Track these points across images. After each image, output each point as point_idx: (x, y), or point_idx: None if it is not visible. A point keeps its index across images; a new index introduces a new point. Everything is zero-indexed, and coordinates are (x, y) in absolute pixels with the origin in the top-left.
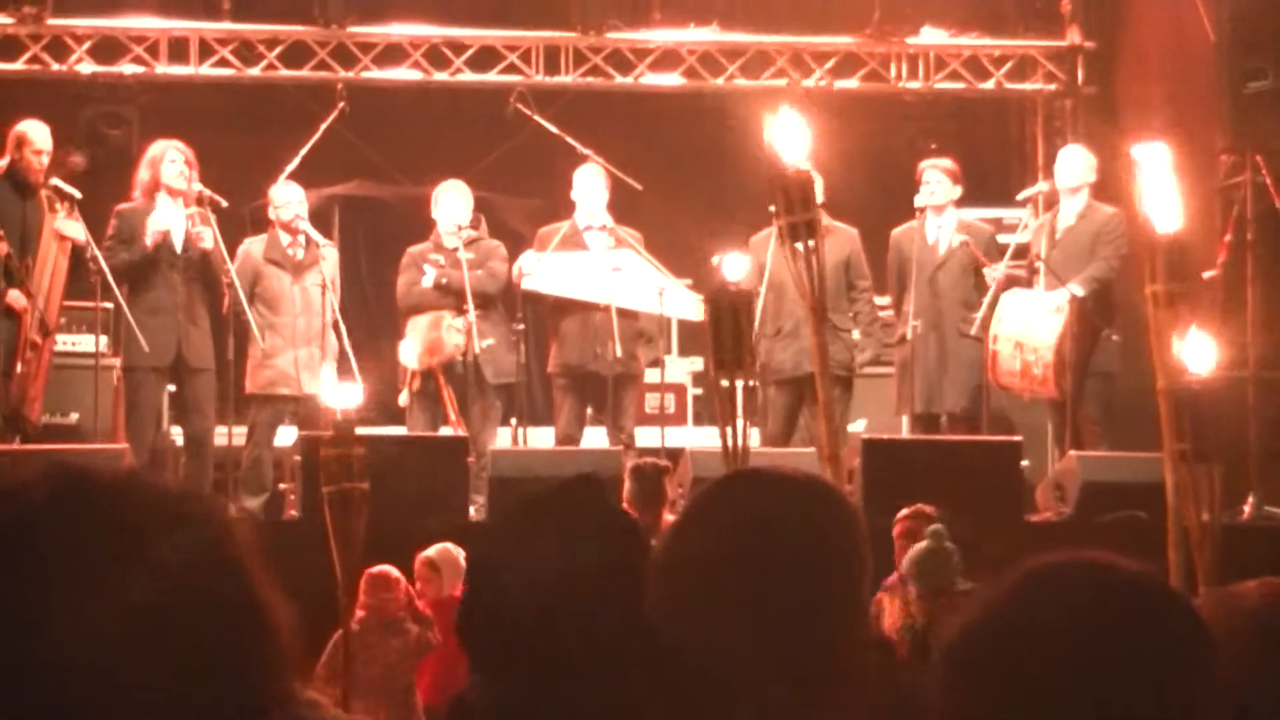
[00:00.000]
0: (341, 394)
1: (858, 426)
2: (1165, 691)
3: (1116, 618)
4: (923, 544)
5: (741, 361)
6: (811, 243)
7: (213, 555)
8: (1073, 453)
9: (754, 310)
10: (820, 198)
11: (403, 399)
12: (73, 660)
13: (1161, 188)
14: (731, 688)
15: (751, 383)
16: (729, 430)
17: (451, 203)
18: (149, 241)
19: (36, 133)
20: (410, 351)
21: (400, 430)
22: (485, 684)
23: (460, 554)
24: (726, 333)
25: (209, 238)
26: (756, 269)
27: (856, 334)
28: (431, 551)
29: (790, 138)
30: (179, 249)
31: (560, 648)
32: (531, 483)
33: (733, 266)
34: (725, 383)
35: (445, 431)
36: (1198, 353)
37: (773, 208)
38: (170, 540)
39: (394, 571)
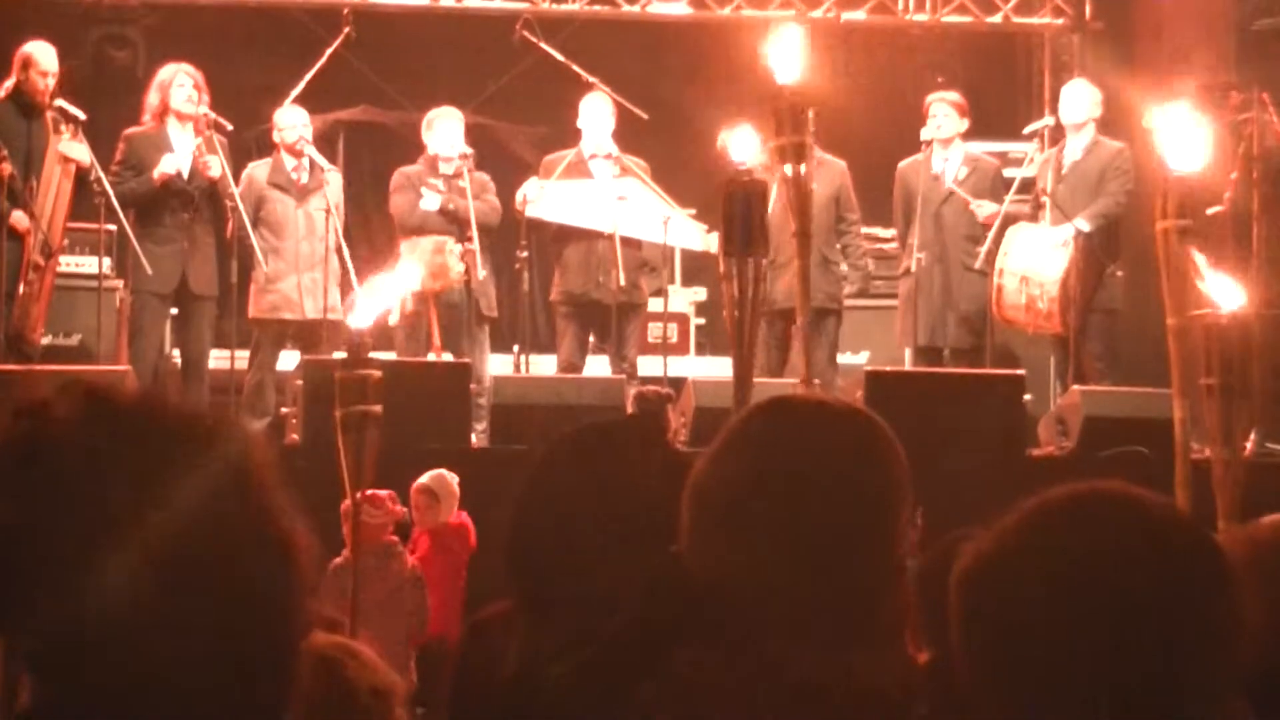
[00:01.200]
0: (361, 313)
1: (861, 359)
2: (1184, 622)
3: (1137, 548)
4: None
5: (753, 245)
6: (803, 167)
7: (236, 474)
8: (1076, 387)
9: (768, 194)
10: (810, 127)
11: (393, 319)
12: (103, 581)
13: (1183, 129)
14: (766, 620)
15: (764, 261)
16: (737, 317)
17: (449, 130)
18: (157, 178)
19: (42, 54)
20: (413, 273)
21: (388, 354)
22: (526, 618)
23: (455, 480)
24: (738, 216)
25: (216, 166)
26: None
27: (844, 267)
28: (426, 479)
29: (787, 59)
30: (186, 177)
31: (601, 584)
32: (533, 410)
33: (740, 144)
34: (735, 268)
35: (430, 358)
36: (1227, 288)
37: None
38: (196, 460)
39: (382, 493)
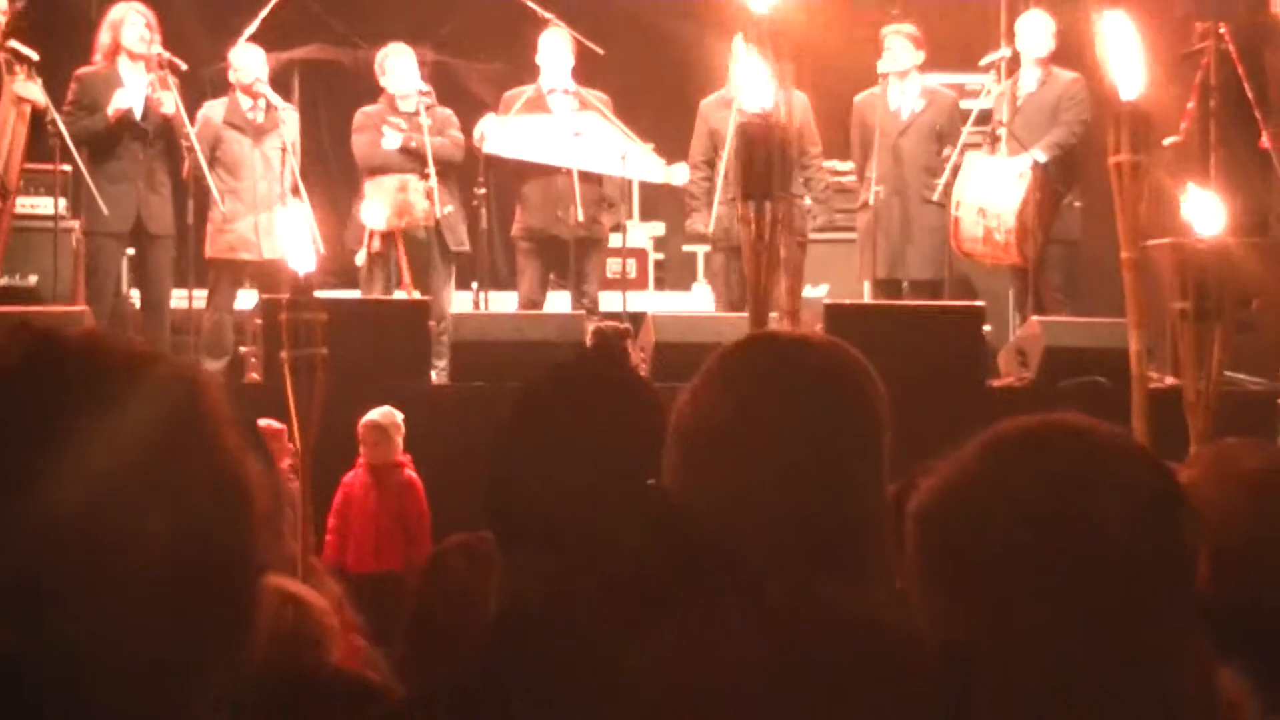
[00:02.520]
0: (301, 257)
1: (820, 292)
2: (1140, 549)
3: (1089, 477)
4: None
5: (770, 191)
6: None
7: (186, 411)
8: (1035, 318)
9: (788, 140)
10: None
11: (359, 259)
12: (52, 523)
13: (1125, 55)
14: (751, 557)
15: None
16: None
17: (402, 66)
18: (111, 115)
19: None
20: (377, 213)
21: (355, 293)
22: (505, 556)
23: (400, 416)
24: (758, 159)
25: (169, 102)
26: (706, 135)
27: (808, 201)
28: (376, 414)
29: None
30: (139, 116)
31: (581, 521)
32: (493, 346)
33: (752, 86)
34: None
35: (400, 295)
36: (1205, 213)
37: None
38: (145, 398)
39: (277, 424)
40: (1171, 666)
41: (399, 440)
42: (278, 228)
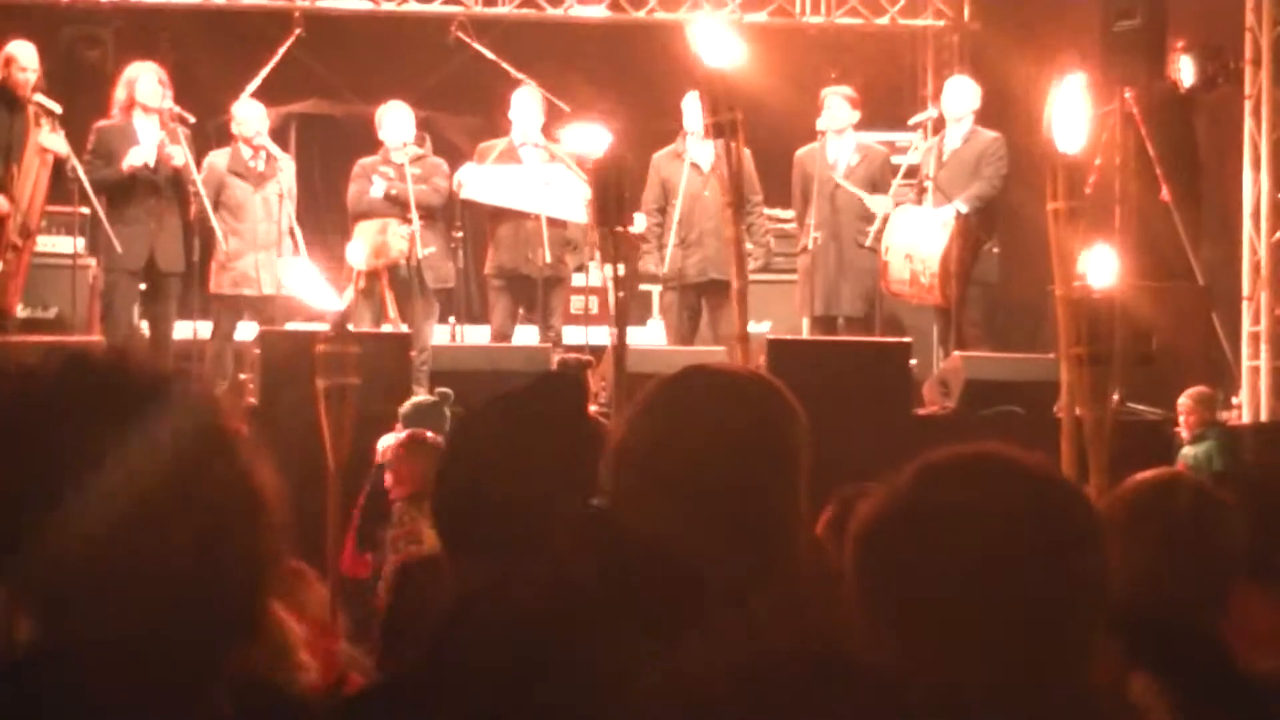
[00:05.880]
0: (328, 298)
1: (763, 328)
2: (1060, 570)
3: (1014, 503)
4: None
5: (623, 217)
6: (735, 141)
7: (207, 427)
8: (957, 353)
9: (630, 169)
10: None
11: (347, 296)
12: (83, 531)
13: (1071, 112)
14: (681, 567)
15: (630, 229)
16: (609, 278)
17: (397, 121)
18: (125, 168)
19: (23, 52)
20: (358, 253)
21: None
22: (453, 561)
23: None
24: (611, 191)
25: (179, 156)
26: (658, 184)
27: (749, 245)
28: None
29: (712, 42)
30: (152, 167)
31: (521, 530)
32: (467, 375)
33: (581, 138)
34: (609, 236)
35: (386, 329)
36: (1099, 265)
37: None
38: (169, 413)
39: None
40: (1088, 672)
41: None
42: (287, 279)
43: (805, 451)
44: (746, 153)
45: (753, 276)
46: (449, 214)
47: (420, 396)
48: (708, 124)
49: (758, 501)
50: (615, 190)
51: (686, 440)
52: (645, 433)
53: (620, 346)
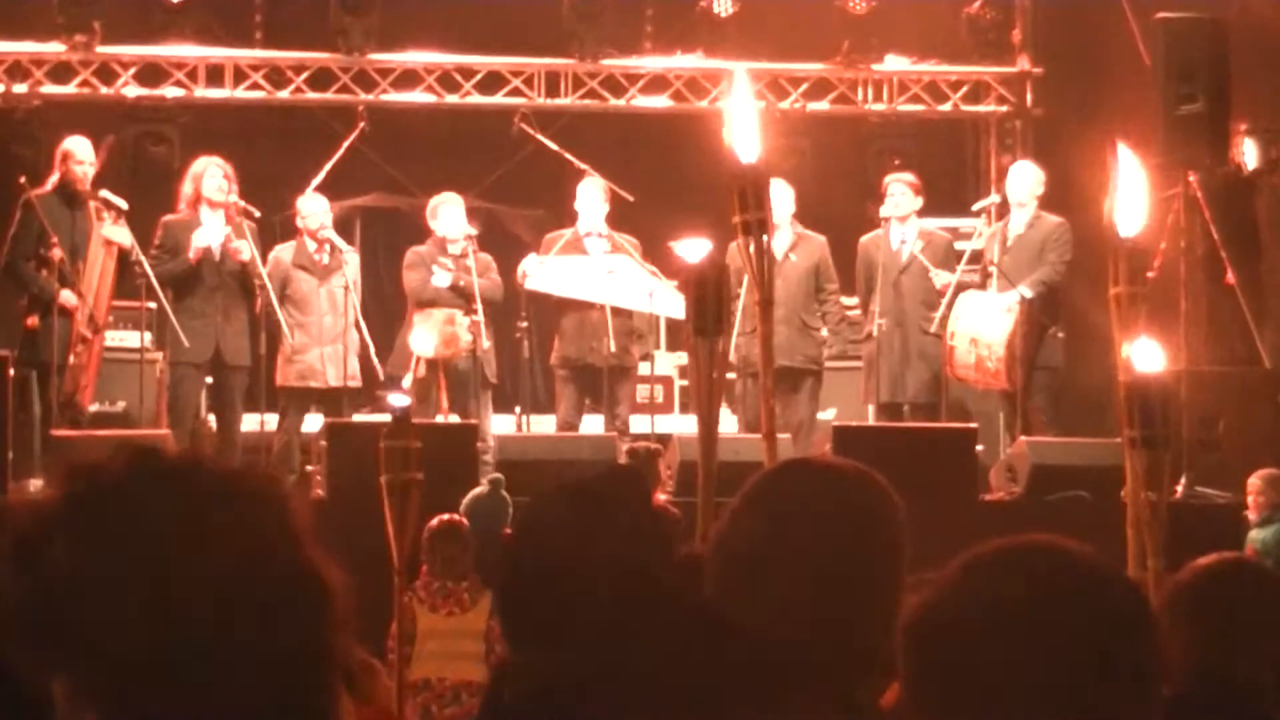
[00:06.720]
0: (398, 396)
1: (829, 415)
2: (1112, 661)
3: (1060, 595)
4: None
5: (721, 327)
6: (765, 238)
7: (275, 524)
8: (1023, 438)
9: (729, 278)
10: (791, 207)
11: (406, 382)
12: (153, 623)
13: (1130, 194)
14: (790, 663)
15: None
16: (702, 393)
17: (454, 214)
18: (192, 256)
19: (78, 147)
20: (425, 341)
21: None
22: (516, 652)
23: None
24: (708, 300)
25: (245, 250)
26: (735, 272)
27: (825, 331)
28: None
29: (746, 140)
30: (218, 259)
31: (588, 622)
32: (534, 464)
33: (689, 251)
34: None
35: (439, 420)
36: (1148, 351)
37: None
38: (237, 511)
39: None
40: None
41: None
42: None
43: (906, 542)
44: (822, 240)
45: (828, 364)
46: (510, 306)
47: (477, 489)
48: (737, 222)
49: (863, 594)
50: (714, 302)
51: (792, 535)
52: (749, 527)
53: (709, 439)
